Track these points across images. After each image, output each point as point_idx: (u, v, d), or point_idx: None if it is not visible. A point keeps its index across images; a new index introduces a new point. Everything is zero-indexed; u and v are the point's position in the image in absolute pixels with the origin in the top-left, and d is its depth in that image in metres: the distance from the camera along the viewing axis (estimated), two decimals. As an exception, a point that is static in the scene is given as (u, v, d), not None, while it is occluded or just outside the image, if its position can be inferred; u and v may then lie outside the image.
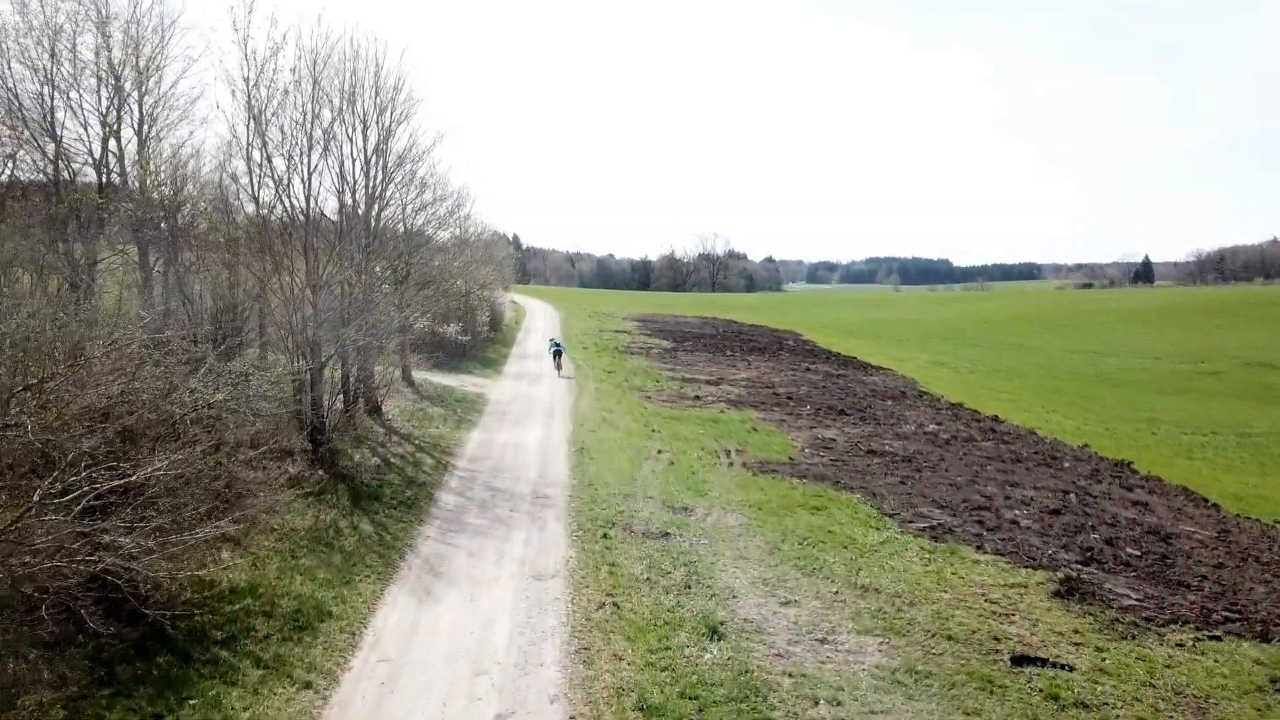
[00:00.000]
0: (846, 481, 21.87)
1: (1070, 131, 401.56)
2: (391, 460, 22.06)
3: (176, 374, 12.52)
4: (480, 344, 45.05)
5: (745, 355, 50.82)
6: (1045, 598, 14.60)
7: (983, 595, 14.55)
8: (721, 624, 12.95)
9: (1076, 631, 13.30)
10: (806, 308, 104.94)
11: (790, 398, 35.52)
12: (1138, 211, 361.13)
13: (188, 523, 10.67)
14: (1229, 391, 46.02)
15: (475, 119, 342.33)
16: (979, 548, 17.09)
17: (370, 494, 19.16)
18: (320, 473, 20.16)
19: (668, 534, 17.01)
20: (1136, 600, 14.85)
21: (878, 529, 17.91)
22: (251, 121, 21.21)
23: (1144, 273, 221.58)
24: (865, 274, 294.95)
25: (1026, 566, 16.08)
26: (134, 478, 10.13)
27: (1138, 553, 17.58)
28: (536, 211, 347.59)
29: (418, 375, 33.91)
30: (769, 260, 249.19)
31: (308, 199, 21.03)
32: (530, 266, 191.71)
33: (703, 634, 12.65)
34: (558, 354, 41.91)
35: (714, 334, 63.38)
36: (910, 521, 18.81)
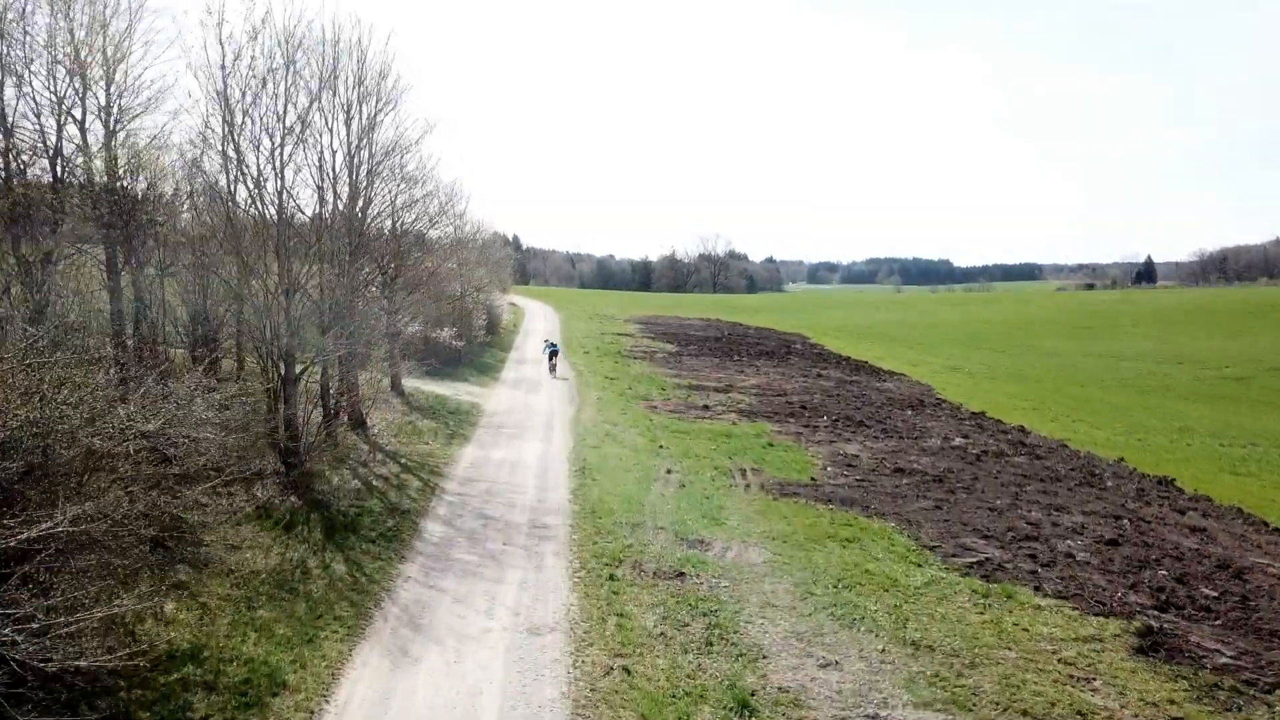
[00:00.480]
0: (877, 507, 19.74)
1: (1070, 131, 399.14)
2: (374, 483, 19.93)
3: (100, 399, 10.39)
4: (476, 349, 42.89)
5: (753, 360, 48.69)
6: (1126, 654, 12.47)
7: (1054, 653, 12.42)
8: (753, 695, 10.83)
9: (1172, 702, 11.18)
10: (813, 310, 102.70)
11: (805, 407, 33.39)
12: (1138, 211, 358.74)
13: (81, 601, 8.52)
14: (1258, 399, 43.88)
15: (475, 119, 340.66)
16: (1037, 589, 14.95)
17: (347, 524, 17.02)
18: (292, 499, 18.05)
19: (683, 574, 14.86)
20: (1231, 658, 12.72)
21: (919, 565, 15.78)
22: (225, 112, 19.09)
23: (1147, 273, 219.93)
24: (866, 274, 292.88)
25: (1096, 614, 13.93)
26: (25, 535, 7.99)
27: (1214, 593, 15.45)
28: (537, 211, 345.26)
29: (409, 384, 31.78)
30: (770, 261, 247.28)
31: (281, 193, 18.91)
32: (530, 267, 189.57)
33: (730, 709, 10.53)
34: (553, 354, 41.61)
35: (719, 337, 61.25)
36: (954, 555, 16.68)
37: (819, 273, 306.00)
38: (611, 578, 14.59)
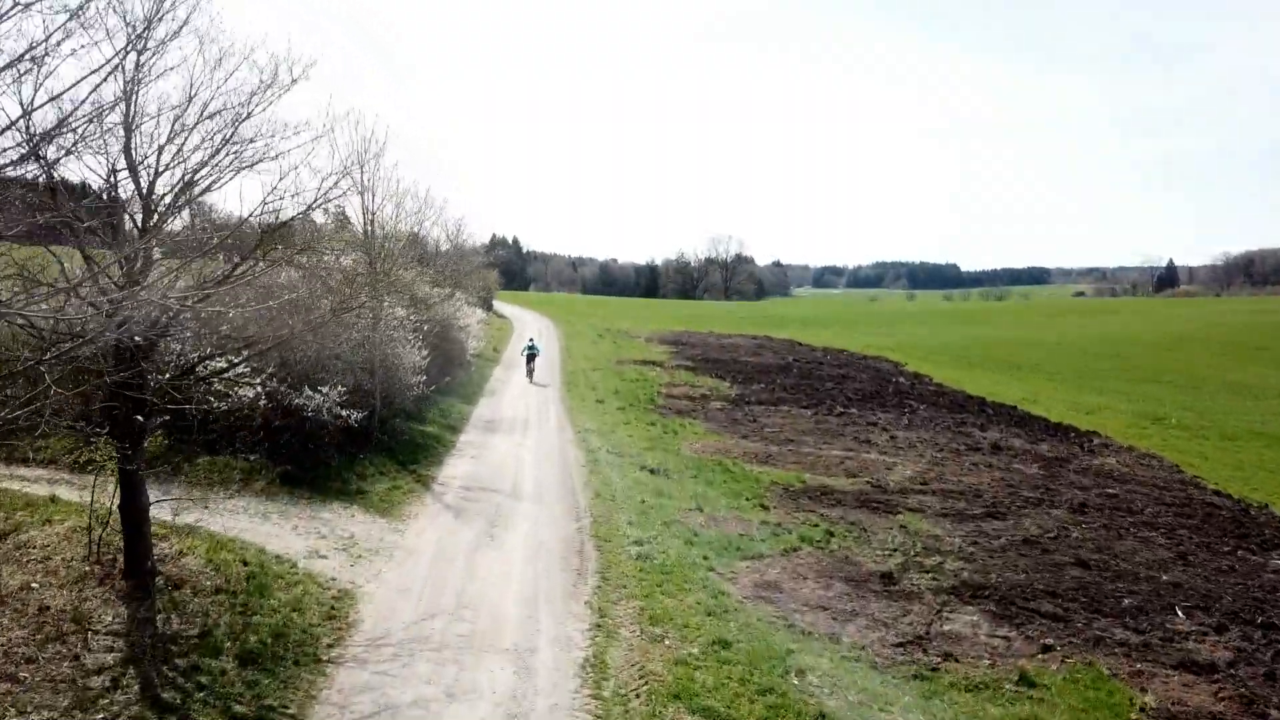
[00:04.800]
0: None
1: (1073, 132, 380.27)
2: None
3: None
4: (412, 410, 22.93)
5: (864, 411, 29.79)
6: None
7: None
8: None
9: None
10: (872, 322, 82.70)
11: (1084, 563, 14.73)
12: (1142, 213, 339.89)
13: None
14: None
15: (475, 119, 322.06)
16: None
17: None
18: None
19: None
20: None
21: None
22: None
23: (1168, 277, 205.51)
24: (873, 279, 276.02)
25: None
26: None
27: None
28: (538, 213, 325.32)
29: (215, 523, 13.19)
30: (776, 265, 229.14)
31: None
32: (531, 271, 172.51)
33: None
34: (531, 358, 35.51)
35: (784, 366, 42.09)
36: None
37: (825, 276, 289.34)
38: None
